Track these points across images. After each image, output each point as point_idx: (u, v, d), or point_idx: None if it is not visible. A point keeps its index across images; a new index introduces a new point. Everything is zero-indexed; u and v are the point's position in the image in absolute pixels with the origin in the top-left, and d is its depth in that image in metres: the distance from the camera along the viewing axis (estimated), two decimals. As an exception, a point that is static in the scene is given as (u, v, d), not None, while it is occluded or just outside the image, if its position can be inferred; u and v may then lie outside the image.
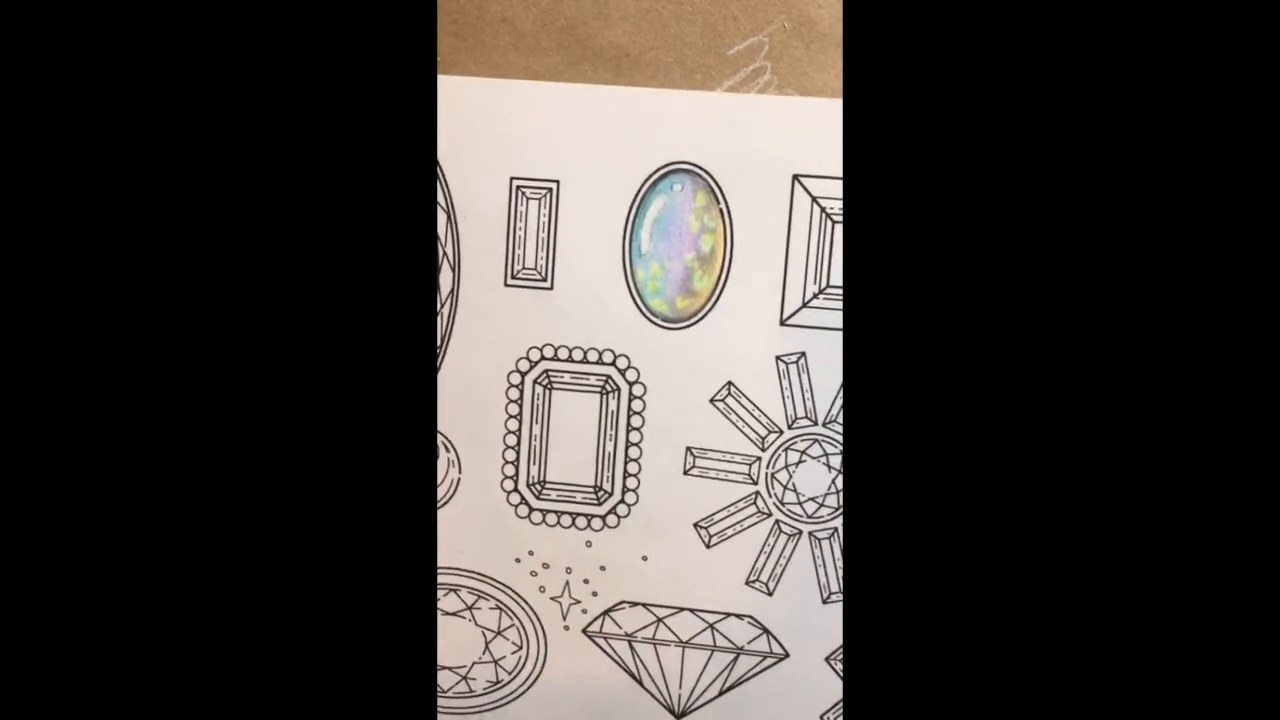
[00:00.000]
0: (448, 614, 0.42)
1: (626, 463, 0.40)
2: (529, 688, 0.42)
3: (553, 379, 0.40)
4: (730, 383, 0.39)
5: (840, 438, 0.39)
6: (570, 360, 0.39)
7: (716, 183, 0.38)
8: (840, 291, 0.38)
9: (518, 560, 0.41)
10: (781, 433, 0.39)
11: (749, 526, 0.40)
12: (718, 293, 0.38)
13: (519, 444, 0.40)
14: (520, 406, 0.40)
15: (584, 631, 0.41)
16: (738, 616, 0.40)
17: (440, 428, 0.40)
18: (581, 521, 0.40)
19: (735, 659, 0.40)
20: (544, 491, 0.40)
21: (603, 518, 0.40)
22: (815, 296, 0.38)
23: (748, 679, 0.41)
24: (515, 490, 0.40)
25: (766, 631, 0.40)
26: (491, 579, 0.41)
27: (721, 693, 0.41)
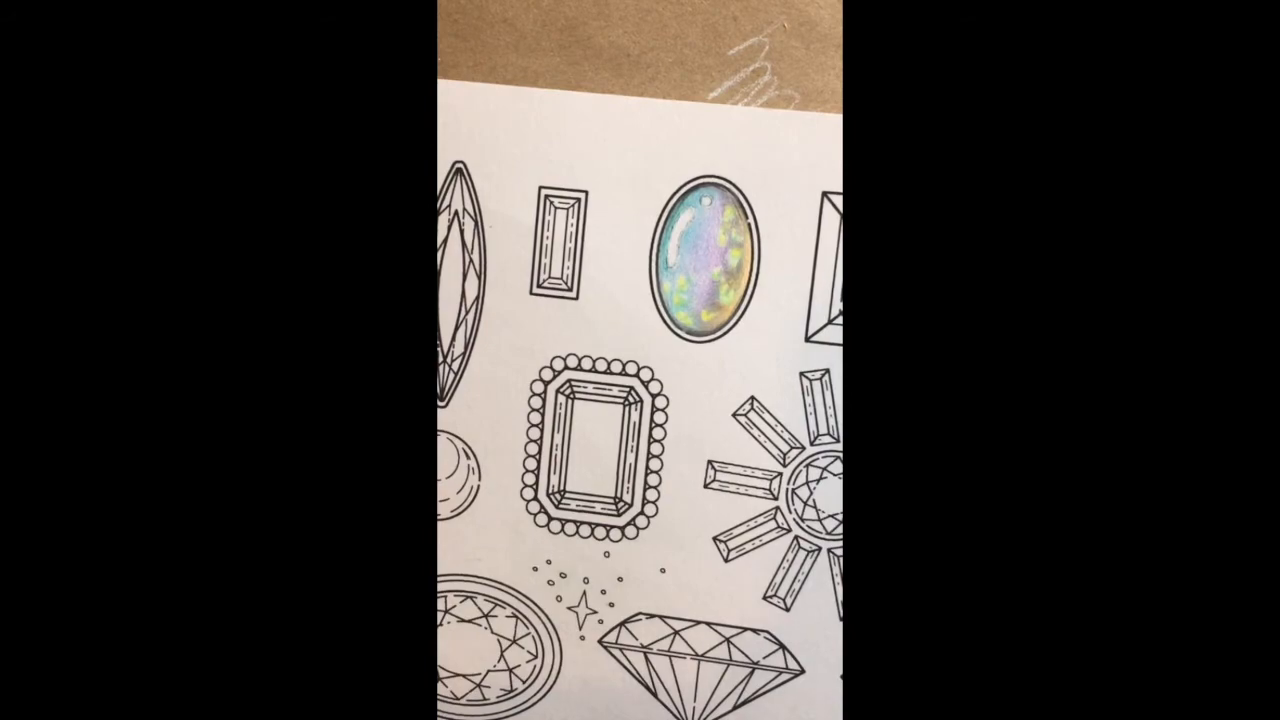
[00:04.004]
0: (463, 620, 0.42)
1: (647, 474, 0.40)
2: (543, 697, 0.42)
3: (575, 389, 0.40)
4: (753, 397, 0.39)
5: (862, 455, 0.39)
6: (594, 370, 0.39)
7: (745, 197, 0.38)
8: (866, 309, 0.38)
9: (535, 569, 0.41)
10: (803, 449, 0.39)
11: (768, 542, 0.40)
12: (743, 307, 0.38)
13: (540, 453, 0.40)
14: (542, 415, 0.40)
15: (600, 642, 0.41)
16: (754, 631, 0.40)
17: (461, 434, 0.40)
18: (600, 532, 0.40)
19: (750, 674, 0.40)
20: (563, 501, 0.40)
21: (622, 529, 0.40)
22: (841, 314, 0.38)
23: (763, 694, 0.40)
24: (535, 499, 0.40)
25: (783, 647, 0.40)
26: (508, 587, 0.41)
27: (736, 707, 0.41)
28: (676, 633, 0.40)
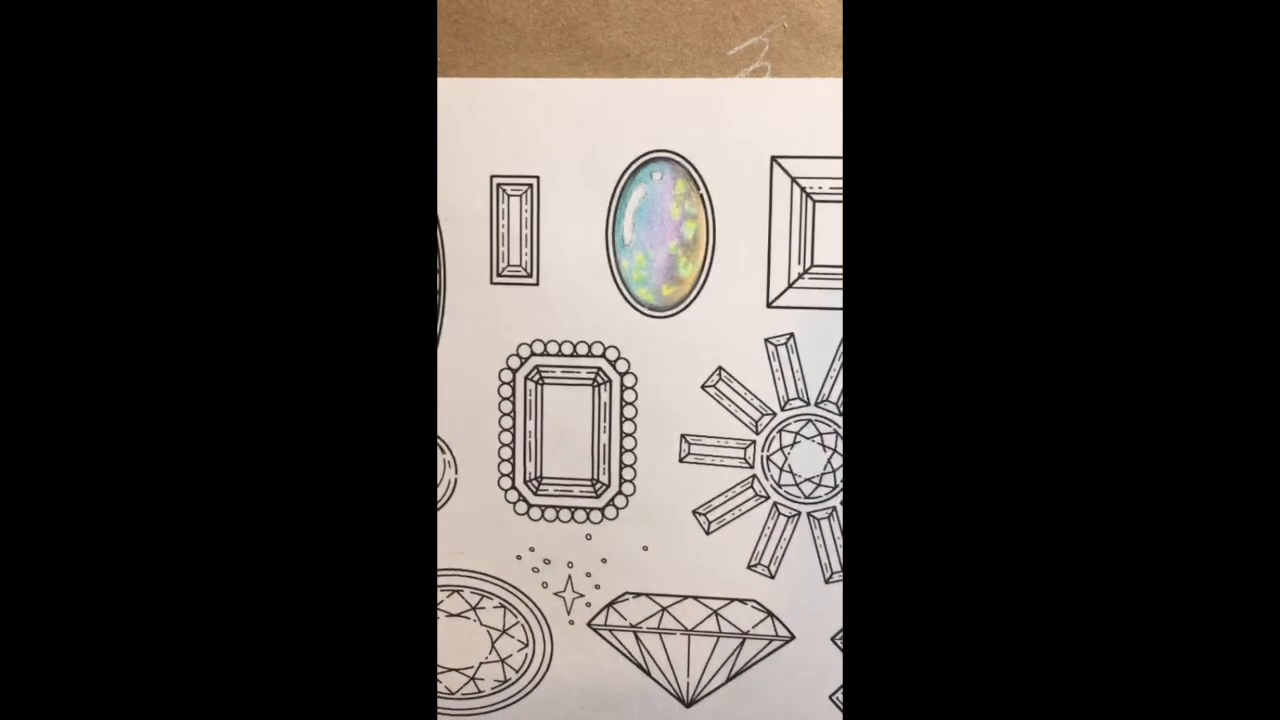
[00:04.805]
0: (452, 615, 0.42)
1: (622, 453, 0.40)
2: (537, 685, 0.42)
3: (544, 374, 0.40)
4: (721, 368, 0.39)
5: (834, 417, 0.39)
6: (560, 354, 0.39)
7: (695, 169, 0.38)
8: (825, 271, 0.38)
9: (519, 557, 0.41)
10: (774, 415, 0.39)
11: (747, 510, 0.40)
12: (703, 278, 0.39)
13: (514, 441, 0.40)
14: (513, 403, 0.40)
15: (589, 625, 0.41)
16: (741, 601, 0.40)
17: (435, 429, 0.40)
18: (580, 515, 0.40)
19: (741, 644, 0.40)
20: (541, 487, 0.40)
21: (601, 510, 0.40)
22: (800, 277, 0.38)
23: (755, 663, 0.40)
24: (513, 487, 0.40)
25: (771, 615, 0.40)
26: (494, 578, 0.41)
27: (730, 678, 0.41)
28: (664, 609, 0.40)
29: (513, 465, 0.40)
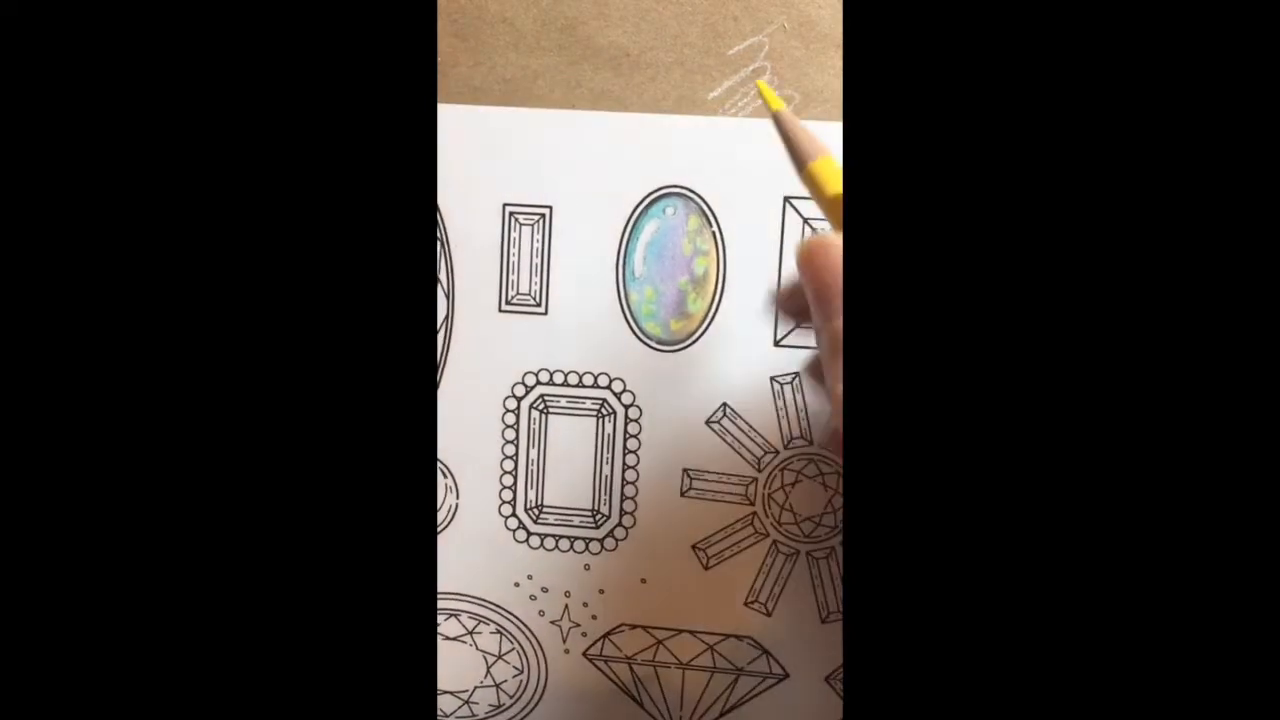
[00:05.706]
0: (449, 639, 0.42)
1: (623, 485, 0.40)
2: (530, 711, 0.42)
3: (549, 403, 0.40)
4: (725, 404, 0.39)
5: (835, 457, 0.39)
6: (566, 385, 0.40)
7: (708, 206, 0.38)
8: (833, 312, 0.38)
9: (517, 584, 0.41)
10: (777, 453, 0.39)
11: (747, 547, 0.40)
12: (711, 315, 0.39)
13: (516, 469, 0.40)
14: (517, 431, 0.40)
15: (584, 654, 0.41)
16: (737, 637, 0.40)
17: (437, 454, 0.40)
18: (580, 545, 0.40)
19: (735, 680, 0.40)
20: (542, 515, 0.40)
21: (601, 541, 0.40)
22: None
23: (748, 700, 0.41)
24: (513, 515, 0.40)
25: (766, 652, 0.40)
26: (492, 603, 0.41)
27: (722, 714, 0.41)
28: (660, 642, 0.40)
29: (514, 493, 0.40)
